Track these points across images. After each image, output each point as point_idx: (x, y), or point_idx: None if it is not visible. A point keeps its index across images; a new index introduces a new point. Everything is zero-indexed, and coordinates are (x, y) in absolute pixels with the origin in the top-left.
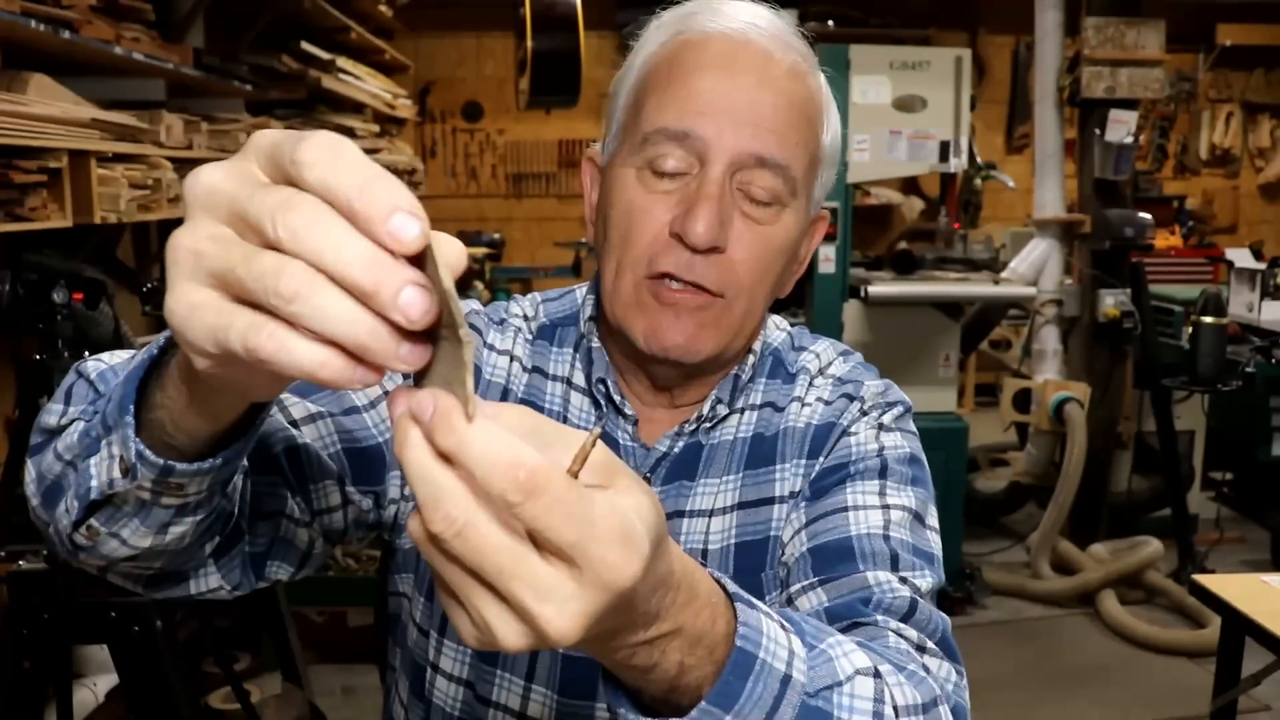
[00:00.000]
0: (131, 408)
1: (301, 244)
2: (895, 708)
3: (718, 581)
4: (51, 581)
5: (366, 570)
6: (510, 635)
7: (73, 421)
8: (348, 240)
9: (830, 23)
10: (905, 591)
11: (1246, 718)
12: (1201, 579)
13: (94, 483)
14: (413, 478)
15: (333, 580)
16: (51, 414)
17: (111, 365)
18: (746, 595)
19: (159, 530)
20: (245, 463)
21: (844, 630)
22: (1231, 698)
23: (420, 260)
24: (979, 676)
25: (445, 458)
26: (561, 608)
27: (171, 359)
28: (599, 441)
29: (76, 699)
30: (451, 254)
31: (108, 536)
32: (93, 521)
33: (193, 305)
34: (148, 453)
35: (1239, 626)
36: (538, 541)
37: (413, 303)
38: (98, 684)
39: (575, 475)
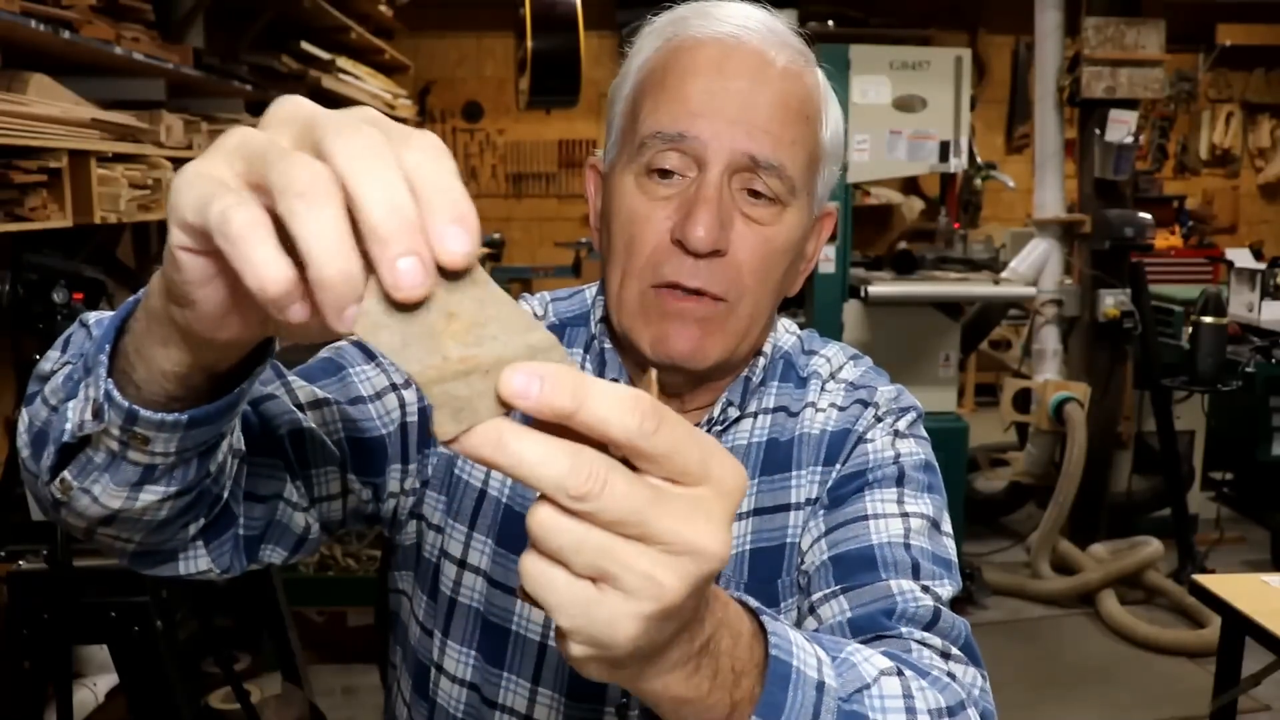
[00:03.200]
0: (108, 347)
1: (349, 162)
2: (924, 708)
3: (736, 599)
4: (51, 581)
5: (366, 570)
6: (674, 578)
7: (64, 366)
8: (392, 180)
9: (830, 23)
10: (928, 601)
11: (1246, 718)
12: (1201, 579)
13: (68, 425)
14: (532, 462)
15: (333, 580)
16: (47, 360)
17: (111, 314)
18: (766, 609)
19: (129, 492)
20: (241, 445)
21: (867, 642)
22: (1231, 698)
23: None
24: None
25: (553, 428)
26: (709, 520)
27: None
28: None
29: (76, 699)
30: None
31: (80, 492)
32: (65, 474)
33: (200, 174)
34: (115, 393)
35: (1239, 626)
36: (665, 472)
37: (409, 271)
38: (98, 684)
39: None
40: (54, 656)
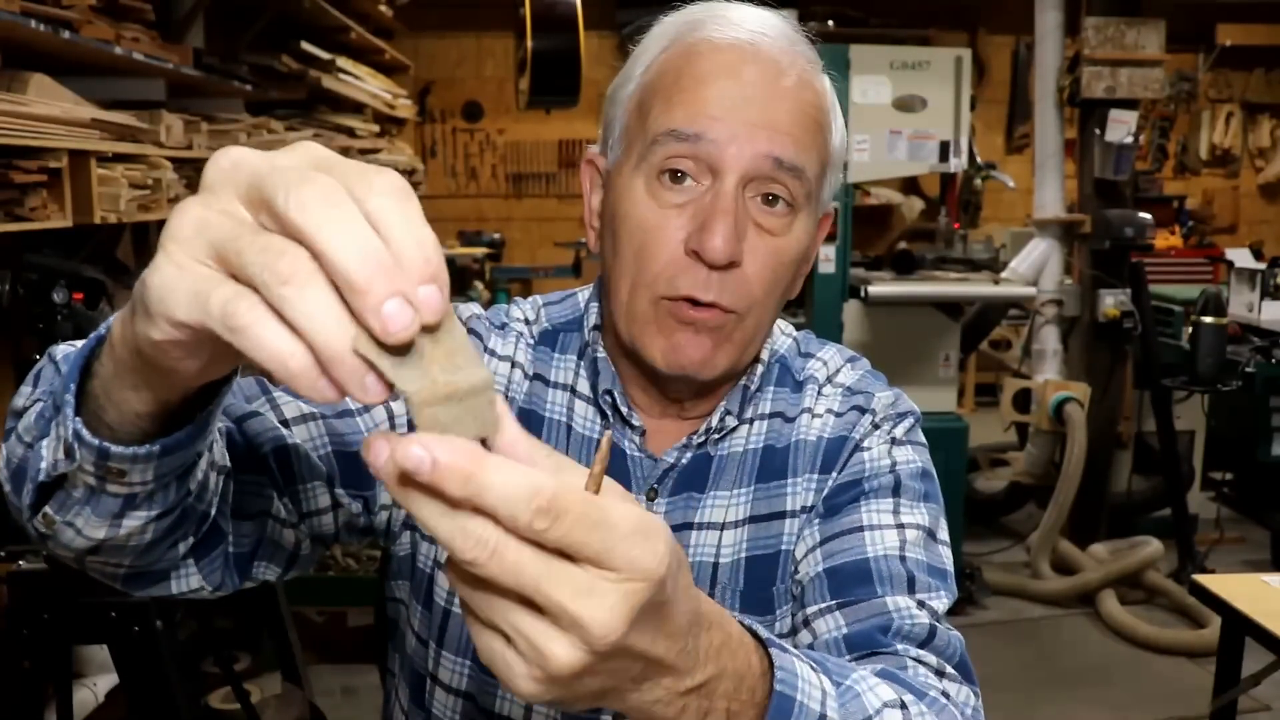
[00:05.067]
0: (73, 386)
1: (308, 218)
2: None
3: (747, 628)
4: (51, 581)
5: (366, 570)
6: (561, 650)
7: (35, 403)
8: (356, 228)
9: (830, 23)
10: (924, 617)
11: (1246, 718)
12: (1201, 579)
13: (43, 464)
14: (429, 524)
15: (333, 580)
16: (20, 396)
17: (78, 348)
18: (776, 640)
19: (111, 522)
20: (226, 462)
21: (863, 659)
22: (1231, 698)
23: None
24: (979, 676)
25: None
26: (602, 601)
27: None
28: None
29: (76, 699)
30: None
31: (63, 525)
32: (47, 509)
33: (182, 268)
34: (84, 432)
35: (1239, 626)
36: (567, 555)
37: (395, 315)
38: (98, 684)
39: (599, 475)
40: (54, 656)
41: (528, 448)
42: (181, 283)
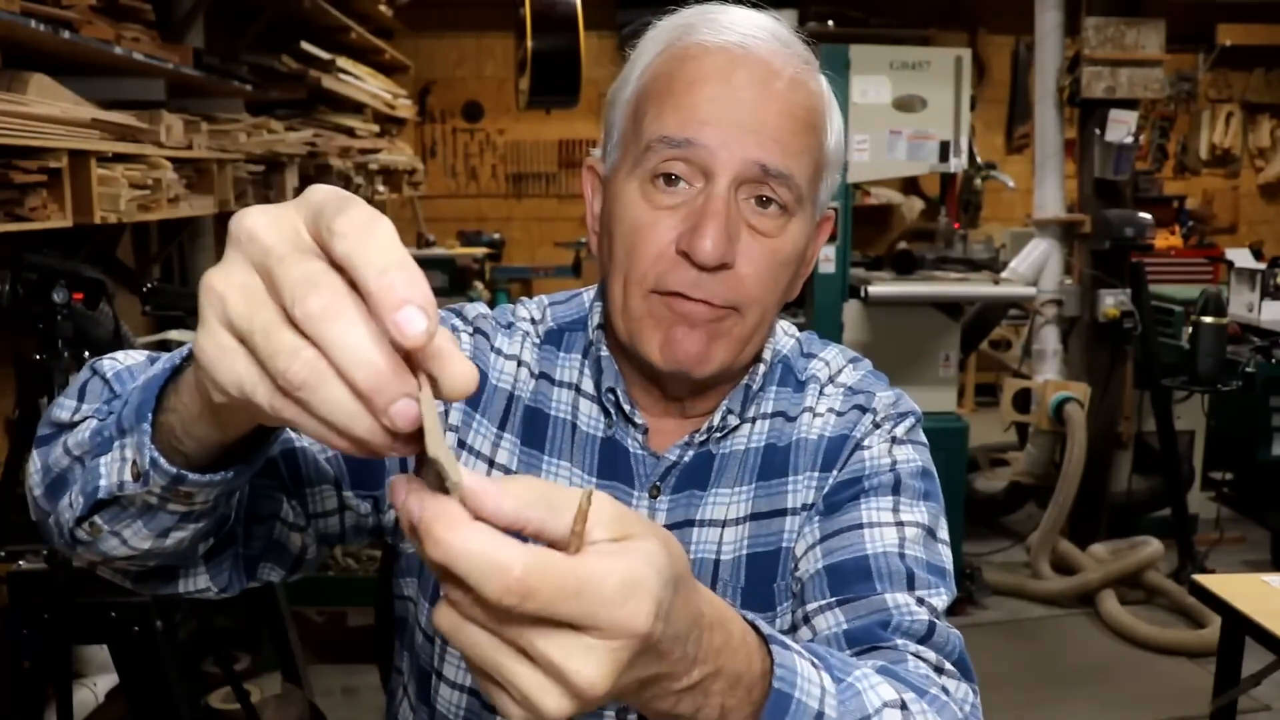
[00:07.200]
0: (150, 415)
1: (315, 330)
2: None
3: (751, 624)
4: (51, 581)
5: (366, 570)
6: (550, 699)
7: (86, 419)
8: (358, 339)
9: (830, 23)
10: (923, 614)
11: (1246, 718)
12: (1201, 579)
13: (103, 482)
14: (429, 564)
15: (333, 580)
16: (64, 409)
17: (128, 366)
18: (780, 636)
19: (160, 534)
20: None
21: (863, 653)
22: (1231, 698)
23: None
24: (979, 676)
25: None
26: (587, 659)
27: (189, 367)
28: (604, 495)
29: (76, 699)
30: (460, 377)
31: (109, 535)
32: (96, 519)
33: (222, 348)
34: (162, 460)
35: (1239, 626)
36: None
37: (402, 414)
38: (98, 684)
39: (580, 534)
40: (54, 656)
41: (495, 486)
42: (223, 363)
